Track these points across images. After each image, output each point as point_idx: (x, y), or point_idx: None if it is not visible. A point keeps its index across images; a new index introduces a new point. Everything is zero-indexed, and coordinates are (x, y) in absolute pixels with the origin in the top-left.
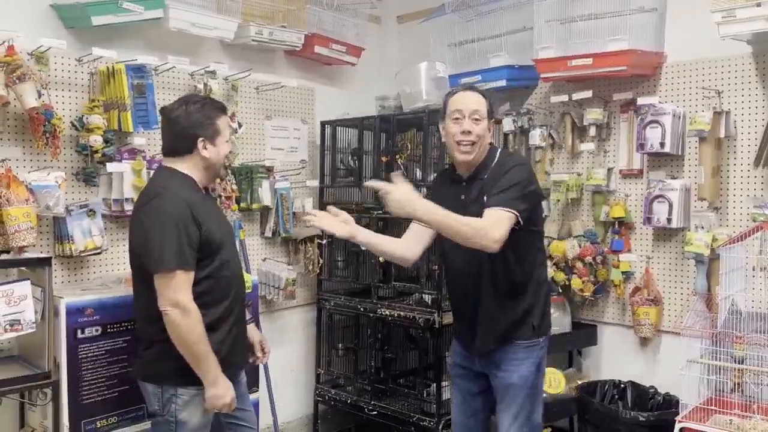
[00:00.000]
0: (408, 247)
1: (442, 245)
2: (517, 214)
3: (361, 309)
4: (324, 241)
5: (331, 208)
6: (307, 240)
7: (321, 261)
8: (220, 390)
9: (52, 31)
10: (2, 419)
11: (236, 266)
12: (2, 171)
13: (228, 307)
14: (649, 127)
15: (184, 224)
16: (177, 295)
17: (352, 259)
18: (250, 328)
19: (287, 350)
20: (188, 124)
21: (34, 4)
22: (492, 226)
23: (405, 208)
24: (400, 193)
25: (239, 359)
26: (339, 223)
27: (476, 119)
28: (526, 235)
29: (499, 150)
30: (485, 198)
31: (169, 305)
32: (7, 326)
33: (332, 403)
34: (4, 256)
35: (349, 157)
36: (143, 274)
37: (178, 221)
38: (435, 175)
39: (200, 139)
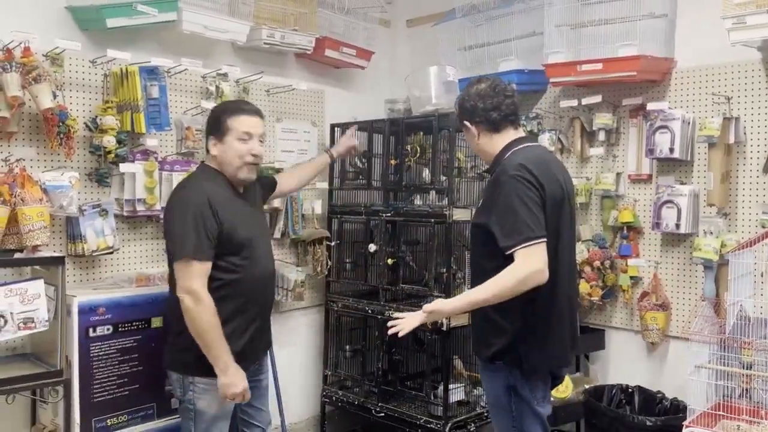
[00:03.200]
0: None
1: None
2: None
3: (369, 311)
4: (332, 243)
5: None
6: (316, 242)
7: (329, 263)
8: (231, 378)
9: (68, 33)
10: (14, 416)
11: (263, 269)
12: (17, 171)
13: (242, 305)
14: (658, 133)
15: (202, 216)
16: (190, 283)
17: (360, 262)
18: None
19: (295, 351)
20: (206, 123)
21: (49, 6)
22: (516, 267)
23: (422, 317)
24: (412, 315)
25: (248, 358)
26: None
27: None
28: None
29: (518, 147)
30: (480, 203)
31: (183, 292)
32: (21, 324)
33: (339, 404)
34: (18, 255)
35: (359, 160)
36: (172, 263)
37: (196, 212)
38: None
39: (210, 137)
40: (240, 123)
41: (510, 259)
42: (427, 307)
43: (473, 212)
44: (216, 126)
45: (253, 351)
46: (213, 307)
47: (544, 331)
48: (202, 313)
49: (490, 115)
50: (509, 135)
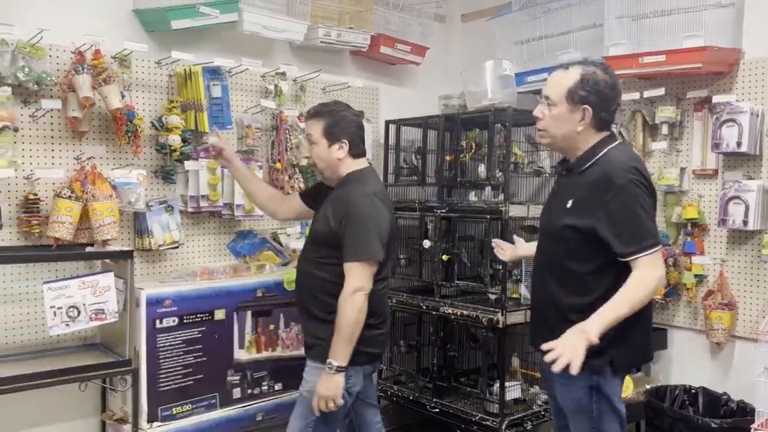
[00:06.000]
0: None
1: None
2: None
3: (424, 307)
4: None
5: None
6: None
7: None
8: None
9: (134, 35)
10: (86, 403)
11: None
12: (88, 168)
13: None
14: (725, 126)
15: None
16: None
17: (414, 257)
18: None
19: None
20: None
21: (117, 10)
22: (647, 276)
23: (585, 344)
24: (572, 339)
25: None
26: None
27: None
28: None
29: (613, 145)
30: (569, 203)
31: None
32: (92, 315)
33: (394, 399)
34: (89, 249)
35: (413, 156)
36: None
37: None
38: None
39: None
40: None
41: (610, 265)
42: (587, 332)
43: (528, 209)
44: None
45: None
46: None
47: (636, 331)
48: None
49: (610, 112)
50: (604, 134)
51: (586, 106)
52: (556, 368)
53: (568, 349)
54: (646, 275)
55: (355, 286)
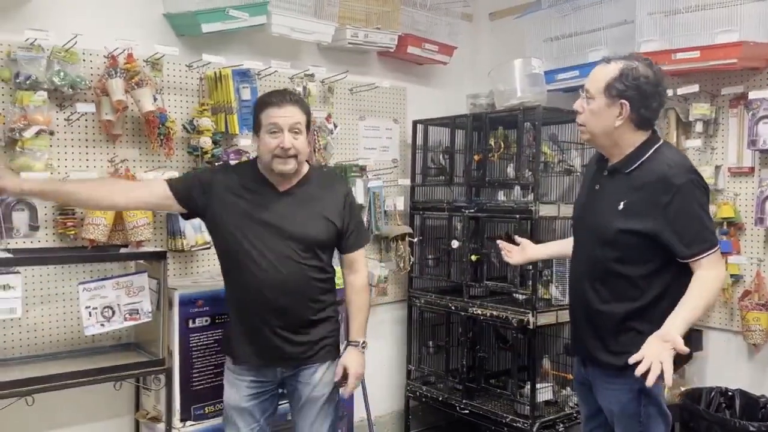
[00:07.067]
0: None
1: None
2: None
3: (452, 307)
4: (415, 240)
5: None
6: (399, 238)
7: (412, 259)
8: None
9: (165, 39)
10: (120, 402)
11: (260, 270)
12: (122, 170)
13: (238, 299)
14: (761, 123)
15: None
16: None
17: (443, 258)
18: (345, 352)
19: (379, 346)
20: None
21: (149, 14)
22: (714, 276)
23: (671, 352)
24: (657, 348)
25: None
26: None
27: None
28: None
29: (659, 144)
30: (621, 205)
31: None
32: (127, 315)
33: (423, 399)
34: (124, 250)
35: (441, 156)
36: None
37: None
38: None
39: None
40: (267, 116)
41: (665, 267)
42: (671, 338)
43: (559, 208)
44: (254, 122)
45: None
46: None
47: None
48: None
49: (651, 109)
50: (647, 133)
51: (623, 100)
52: (650, 381)
53: (656, 360)
54: (712, 276)
55: (366, 271)
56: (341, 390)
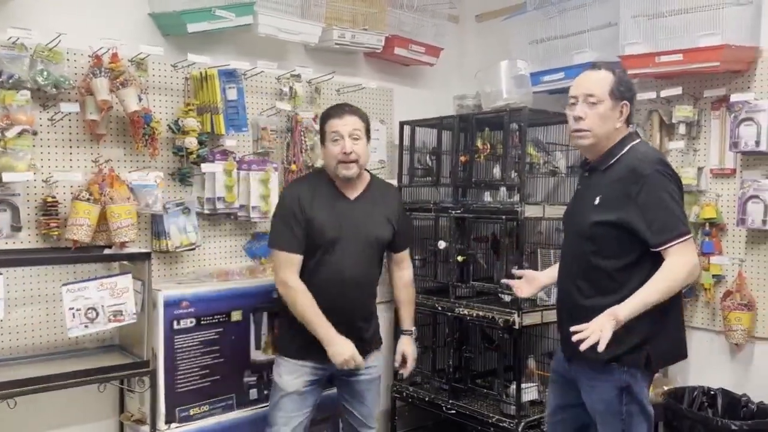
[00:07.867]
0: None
1: None
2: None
3: (439, 308)
4: None
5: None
6: None
7: None
8: (335, 348)
9: (151, 39)
10: (104, 405)
11: (337, 273)
12: (106, 171)
13: (321, 302)
14: (743, 125)
15: (291, 210)
16: (278, 272)
17: (429, 258)
18: (401, 341)
19: None
20: None
21: (134, 13)
22: (682, 263)
23: (612, 324)
24: (600, 321)
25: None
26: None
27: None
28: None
29: (636, 142)
30: (597, 200)
31: (277, 281)
32: (111, 316)
33: (410, 400)
34: (107, 251)
35: (428, 157)
36: None
37: (285, 207)
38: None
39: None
40: (329, 126)
41: (642, 259)
42: (612, 313)
43: (544, 209)
44: (320, 135)
45: (304, 351)
46: (304, 290)
47: (673, 326)
48: (294, 298)
49: (634, 109)
50: (628, 130)
51: (625, 102)
52: (584, 347)
53: (596, 329)
54: (677, 262)
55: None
56: (402, 371)
